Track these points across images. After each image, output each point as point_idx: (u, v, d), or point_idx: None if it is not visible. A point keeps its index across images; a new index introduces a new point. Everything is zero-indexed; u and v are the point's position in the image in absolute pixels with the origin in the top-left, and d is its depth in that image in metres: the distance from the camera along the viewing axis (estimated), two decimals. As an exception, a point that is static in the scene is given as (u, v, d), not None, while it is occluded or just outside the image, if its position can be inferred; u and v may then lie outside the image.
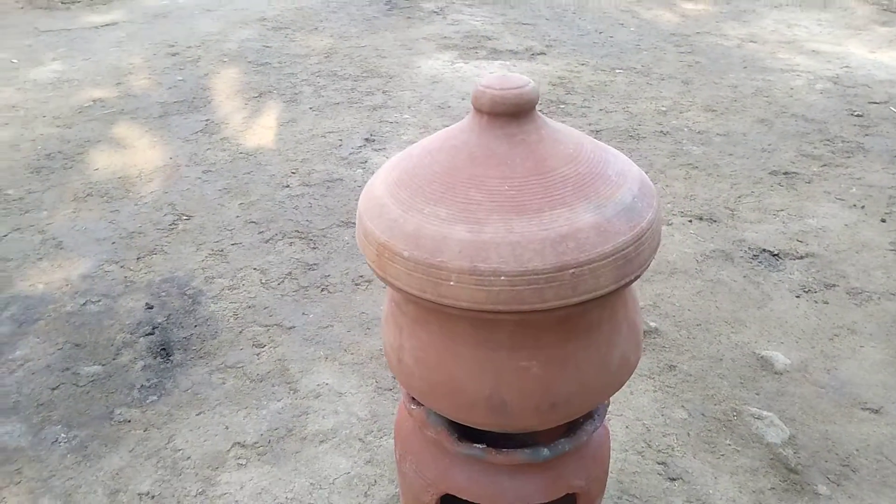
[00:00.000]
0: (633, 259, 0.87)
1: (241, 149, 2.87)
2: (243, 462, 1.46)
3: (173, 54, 3.96)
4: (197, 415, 1.58)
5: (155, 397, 1.63)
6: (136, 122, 3.10)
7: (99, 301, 1.95)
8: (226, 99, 3.36)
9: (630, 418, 1.56)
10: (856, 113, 3.12)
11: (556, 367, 0.93)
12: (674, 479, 1.42)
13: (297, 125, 3.07)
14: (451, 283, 0.85)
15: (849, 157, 2.75)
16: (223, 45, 4.09)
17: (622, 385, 1.03)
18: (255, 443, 1.51)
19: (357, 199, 2.54)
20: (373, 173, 2.73)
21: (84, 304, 1.94)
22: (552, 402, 0.95)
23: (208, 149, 2.87)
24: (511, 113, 0.90)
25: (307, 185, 2.58)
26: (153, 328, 1.85)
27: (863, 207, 2.41)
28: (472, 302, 0.84)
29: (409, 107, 3.25)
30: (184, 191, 2.54)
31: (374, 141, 2.92)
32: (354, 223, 2.36)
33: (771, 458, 1.46)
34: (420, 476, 1.15)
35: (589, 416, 1.12)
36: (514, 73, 0.87)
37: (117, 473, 1.44)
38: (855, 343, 1.79)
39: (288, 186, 2.57)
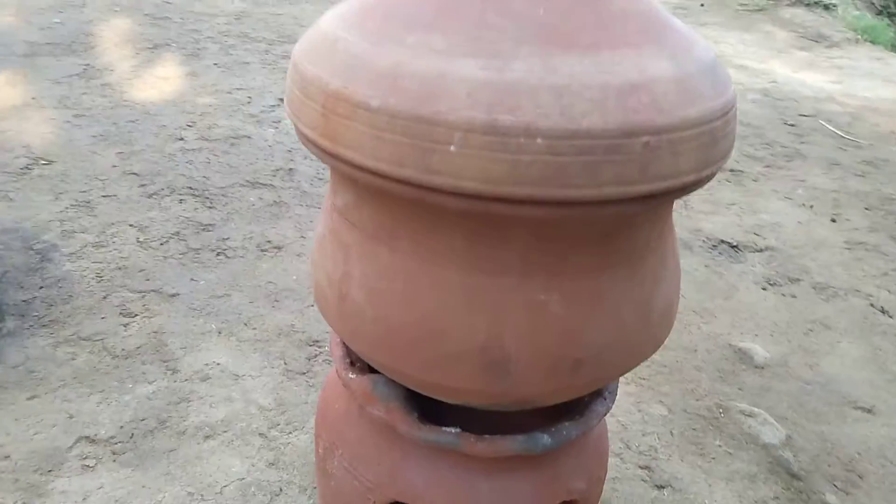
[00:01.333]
0: (719, 139, 0.58)
1: (125, 97, 2.39)
2: (91, 463, 1.04)
3: (51, -3, 3.37)
4: (28, 399, 1.13)
5: (-33, 374, 1.16)
6: (-8, 58, 2.54)
7: None
8: (112, 46, 2.86)
9: (603, 414, 1.28)
10: (788, 122, 3.09)
11: (586, 305, 0.62)
12: (661, 487, 1.14)
13: (199, 79, 2.63)
14: (452, 147, 0.52)
15: (789, 160, 2.68)
16: (115, -5, 3.55)
17: (661, 344, 0.73)
18: (112, 437, 1.09)
19: (267, 159, 2.16)
20: (287, 133, 2.34)
21: None
22: (577, 357, 0.64)
23: (84, 93, 2.37)
24: None
25: (206, 140, 2.15)
26: (-21, 286, 1.37)
27: (811, 207, 2.30)
28: (485, 181, 0.52)
29: (330, 74, 2.89)
30: (45, 133, 2.04)
31: (289, 102, 2.53)
32: (262, 184, 1.97)
33: (770, 462, 1.21)
34: (356, 476, 0.79)
35: (597, 394, 0.82)
36: None
37: None
38: (831, 338, 1.61)
39: (182, 139, 2.13)
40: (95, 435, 1.09)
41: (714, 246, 1.97)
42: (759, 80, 3.64)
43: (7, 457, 1.03)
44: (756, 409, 1.33)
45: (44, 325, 1.30)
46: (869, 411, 1.39)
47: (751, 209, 2.23)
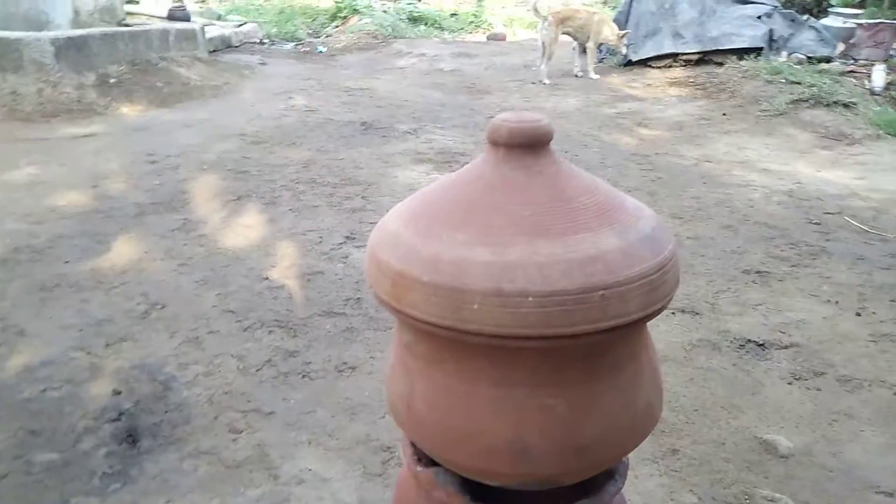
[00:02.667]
0: (658, 287, 0.85)
1: (218, 245, 2.83)
2: (215, 555, 1.30)
3: (152, 162, 4.00)
4: (166, 503, 1.42)
5: (118, 485, 1.47)
6: (110, 220, 3.06)
7: (60, 387, 1.81)
8: (204, 201, 3.37)
9: (638, 503, 1.47)
10: (814, 221, 3.28)
11: (582, 407, 0.88)
12: (691, 567, 1.31)
13: (277, 224, 3.08)
14: (475, 306, 0.81)
15: (814, 258, 2.86)
16: (202, 156, 4.17)
17: (647, 435, 0.96)
18: (230, 534, 1.35)
19: (338, 291, 2.51)
20: (354, 267, 2.71)
21: (43, 390, 1.80)
22: (579, 444, 0.88)
23: (185, 244, 2.82)
24: (528, 144, 0.91)
25: (287, 278, 2.53)
26: (119, 414, 1.71)
27: (837, 303, 2.46)
28: (498, 326, 0.80)
29: (388, 209, 3.29)
30: (158, 282, 2.46)
31: (354, 238, 2.92)
32: (336, 313, 2.30)
33: (791, 542, 1.36)
34: (425, 551, 1.03)
35: (609, 476, 1.04)
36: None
37: (68, 570, 1.26)
38: (855, 427, 1.75)
39: (267, 279, 2.52)
40: (218, 532, 1.36)
41: (741, 345, 2.16)
42: (784, 182, 3.88)
43: (153, 551, 1.30)
44: (778, 495, 1.48)
45: (171, 443, 1.61)
46: (891, 496, 1.51)
47: (776, 308, 2.41)
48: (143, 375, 1.88)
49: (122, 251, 2.73)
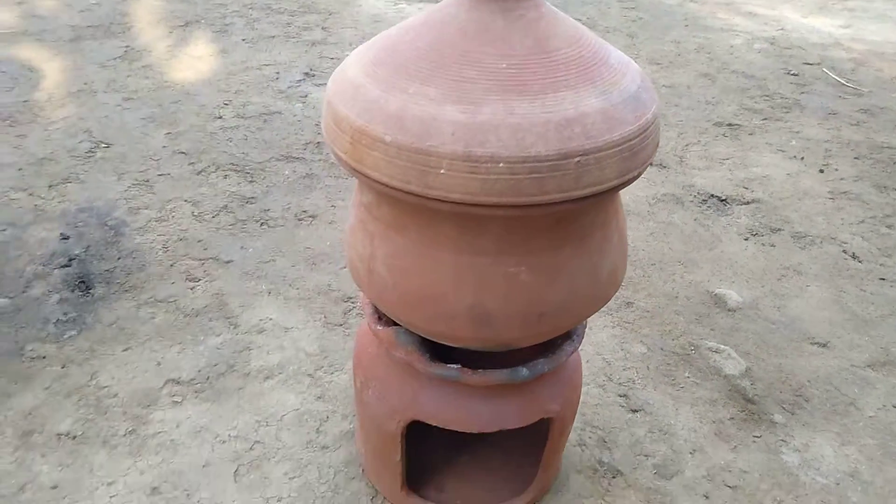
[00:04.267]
0: (638, 152, 0.80)
1: (166, 77, 2.62)
2: (179, 399, 1.32)
3: (85, -24, 3.57)
4: (123, 350, 1.42)
5: (74, 332, 1.45)
6: (43, 45, 2.77)
7: (4, 230, 1.73)
8: (147, 26, 3.07)
9: (590, 353, 1.53)
10: (791, 72, 3.19)
11: (546, 275, 0.85)
12: (635, 411, 1.39)
13: (229, 56, 2.84)
14: (442, 170, 0.74)
15: (787, 112, 2.81)
16: (142, -29, 3.73)
17: (609, 299, 0.96)
18: (192, 379, 1.37)
19: (297, 133, 2.38)
20: (314, 108, 2.56)
21: (-15, 232, 1.71)
22: (540, 311, 0.87)
23: (128, 76, 2.60)
24: (509, -16, 0.80)
25: (242, 118, 2.38)
26: (69, 259, 1.65)
27: (802, 159, 2.46)
28: (465, 193, 0.75)
29: (350, 44, 3.07)
30: (102, 118, 2.29)
31: (314, 76, 2.73)
32: (295, 157, 2.20)
33: (729, 390, 1.45)
34: (385, 403, 1.05)
35: (567, 337, 1.05)
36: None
37: (30, 413, 1.27)
38: (801, 283, 1.82)
39: (220, 118, 2.37)
40: (179, 378, 1.37)
41: (704, 200, 2.17)
42: (767, 28, 3.71)
43: (115, 395, 1.32)
44: (723, 346, 1.56)
45: (126, 291, 1.58)
46: (824, 346, 1.61)
47: (743, 163, 2.40)
48: (91, 219, 1.80)
49: (59, 81, 2.51)
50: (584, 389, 1.43)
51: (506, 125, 0.74)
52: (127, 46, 2.85)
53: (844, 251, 1.96)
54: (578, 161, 0.74)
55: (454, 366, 0.97)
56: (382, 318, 1.04)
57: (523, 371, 0.97)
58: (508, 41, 0.79)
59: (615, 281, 0.95)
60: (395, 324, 1.01)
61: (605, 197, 0.82)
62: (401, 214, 0.86)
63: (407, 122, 0.75)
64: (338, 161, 0.85)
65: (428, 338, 0.96)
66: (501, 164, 0.73)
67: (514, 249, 0.83)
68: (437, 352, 1.00)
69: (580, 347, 1.56)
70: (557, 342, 1.03)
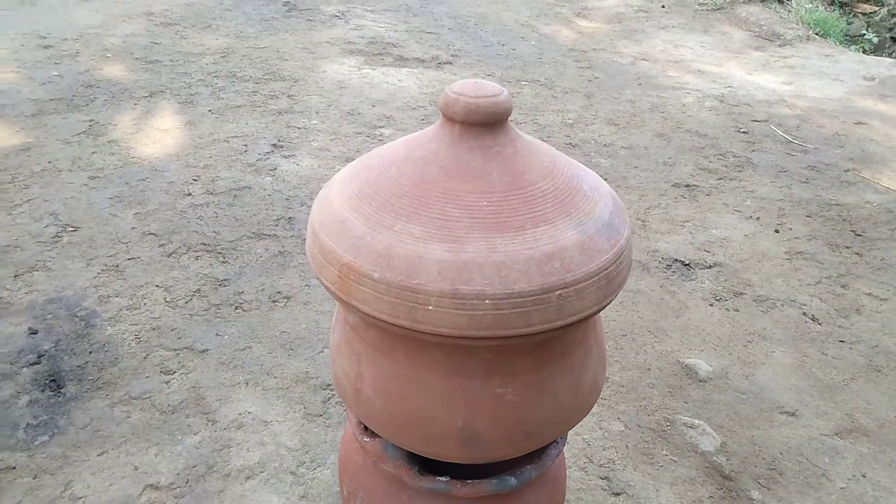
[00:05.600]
0: (614, 278, 0.84)
1: (132, 153, 2.61)
2: (158, 507, 1.30)
3: (45, 46, 3.56)
4: (99, 455, 1.38)
5: (46, 437, 1.41)
6: (3, 120, 2.74)
7: (-32, 327, 1.68)
8: (111, 98, 3.07)
9: (570, 434, 1.55)
10: (742, 130, 3.35)
11: (532, 394, 0.88)
12: (618, 494, 1.41)
13: (196, 128, 2.85)
14: (430, 307, 0.77)
15: (740, 171, 2.94)
16: (105, 40, 3.74)
17: (591, 408, 0.99)
18: (171, 483, 1.34)
19: (268, 209, 2.39)
20: (283, 181, 2.58)
21: (-51, 331, 1.67)
22: (527, 430, 0.90)
23: (94, 152, 2.59)
24: (486, 122, 0.84)
25: (211, 194, 2.38)
26: (39, 356, 1.61)
27: (758, 219, 2.57)
28: (453, 328, 0.77)
29: (316, 112, 3.11)
30: (68, 199, 2.27)
31: (282, 147, 2.76)
32: (266, 235, 2.21)
33: (706, 467, 1.49)
34: (374, 514, 1.06)
35: (552, 442, 1.07)
36: (484, 80, 0.81)
37: (2, 532, 1.23)
38: (767, 349, 1.88)
39: (190, 195, 2.37)
40: (158, 483, 1.34)
41: (668, 265, 2.24)
42: (716, 86, 3.90)
43: (91, 507, 1.28)
44: (697, 421, 1.60)
45: (99, 388, 1.55)
46: (793, 415, 1.66)
47: (703, 225, 2.50)
48: (60, 311, 1.77)
49: (22, 161, 2.48)
50: (566, 474, 1.45)
51: (490, 263, 0.77)
52: (91, 120, 2.83)
53: (804, 314, 2.04)
54: (560, 294, 0.78)
55: (443, 478, 0.98)
56: (368, 428, 1.05)
57: (511, 480, 0.99)
58: (487, 179, 0.83)
59: (596, 390, 0.98)
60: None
61: (586, 322, 0.86)
62: (388, 339, 0.88)
63: (394, 259, 0.78)
64: (326, 289, 0.87)
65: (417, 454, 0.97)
66: (487, 301, 0.76)
67: (500, 371, 0.86)
68: (425, 462, 1.02)
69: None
70: (543, 447, 1.05)
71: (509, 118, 0.88)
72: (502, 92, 0.85)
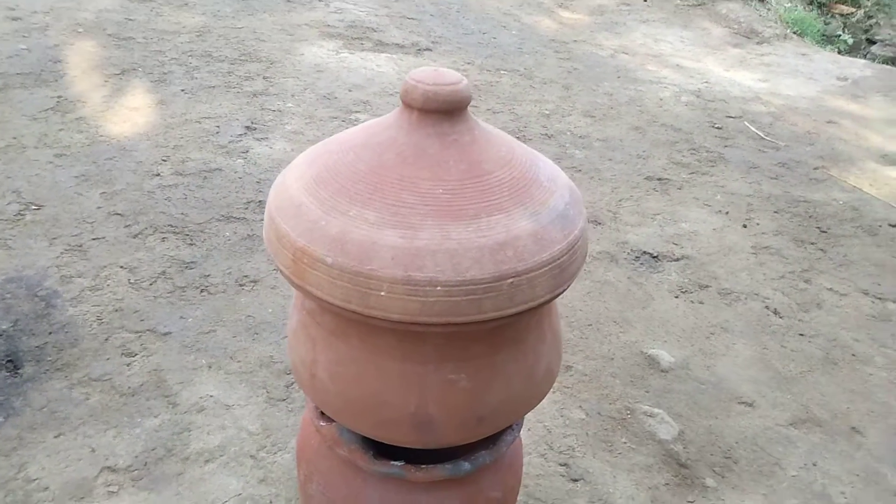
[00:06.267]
0: (567, 268, 0.85)
1: (101, 131, 2.56)
2: (115, 489, 1.29)
3: (14, 18, 3.47)
4: (55, 437, 1.37)
5: (0, 419, 1.39)
6: (-32, 95, 2.68)
7: (-77, 305, 1.65)
8: (81, 74, 3.00)
9: (532, 420, 1.57)
10: (716, 125, 3.38)
11: (485, 380, 0.89)
12: (576, 480, 1.43)
13: (168, 108, 2.81)
14: (382, 293, 0.77)
15: (713, 165, 2.97)
16: (77, 14, 3.66)
17: (545, 396, 1.00)
18: (129, 466, 1.33)
19: (238, 192, 2.37)
20: (255, 164, 2.55)
21: None
22: (480, 415, 0.91)
23: (61, 129, 2.54)
24: (444, 110, 0.84)
25: (181, 175, 2.35)
26: (-4, 336, 1.59)
27: (727, 213, 2.60)
28: (405, 314, 0.78)
29: (292, 95, 3.08)
30: (32, 176, 2.22)
31: (255, 129, 2.73)
32: (236, 217, 2.19)
33: (663, 455, 1.52)
34: (329, 498, 1.06)
35: (507, 427, 1.09)
36: (443, 67, 0.81)
37: (-48, 513, 1.21)
38: (728, 341, 1.92)
39: (158, 175, 2.33)
40: (115, 465, 1.33)
41: (637, 257, 2.26)
42: (693, 81, 3.93)
43: (46, 488, 1.27)
44: (656, 410, 1.63)
45: (58, 369, 1.53)
46: (750, 405, 1.70)
47: (673, 218, 2.52)
48: (20, 290, 1.74)
49: (-14, 135, 2.42)
50: (526, 459, 1.46)
51: (443, 250, 0.77)
52: (59, 97, 2.77)
53: (767, 307, 2.08)
54: (511, 282, 0.78)
55: (397, 463, 0.99)
56: (324, 414, 1.05)
57: (466, 465, 1.00)
58: (444, 166, 0.83)
59: (550, 378, 0.99)
60: (338, 419, 1.02)
61: (539, 309, 0.86)
62: (343, 324, 0.88)
63: (348, 245, 0.78)
64: (280, 272, 0.86)
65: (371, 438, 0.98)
66: (439, 288, 0.76)
67: (453, 356, 0.87)
68: (380, 447, 1.02)
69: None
70: (499, 433, 1.06)
71: (468, 106, 0.88)
72: (461, 80, 0.85)
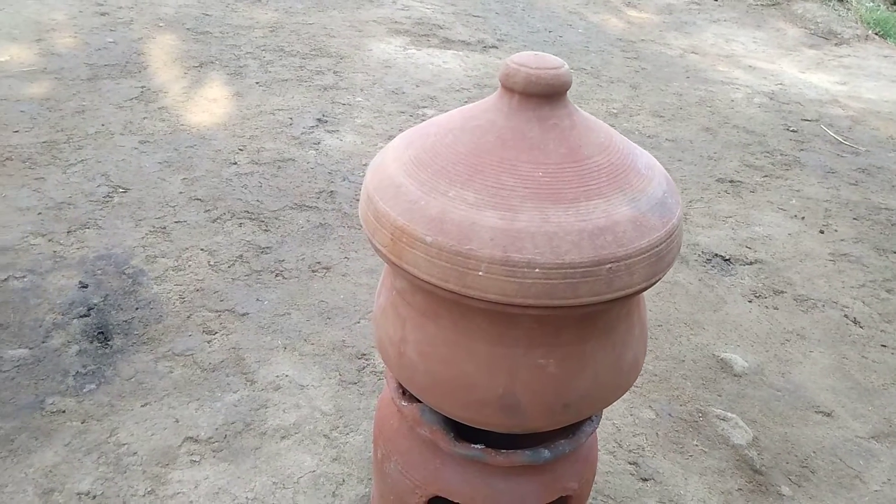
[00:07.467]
0: (664, 256, 0.84)
1: (182, 121, 2.67)
2: (197, 459, 1.34)
3: (102, 14, 3.65)
4: (142, 406, 1.44)
5: (93, 385, 1.47)
6: (60, 84, 2.82)
7: (24, 277, 1.75)
8: (163, 66, 3.13)
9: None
10: (791, 128, 3.27)
11: (573, 367, 0.89)
12: (646, 480, 1.42)
13: (244, 100, 2.90)
14: (480, 273, 0.78)
15: (787, 169, 2.88)
16: (158, 9, 3.82)
17: (630, 387, 0.99)
18: (210, 438, 1.39)
19: (310, 182, 2.43)
20: (326, 155, 2.61)
21: (5, 279, 1.74)
22: (566, 402, 0.91)
23: (145, 118, 2.65)
24: (545, 94, 0.85)
25: (256, 164, 2.43)
26: (88, 309, 1.67)
27: (803, 218, 2.52)
28: (501, 295, 0.78)
29: (361, 89, 3.14)
30: (119, 161, 2.33)
31: (326, 122, 2.79)
32: (308, 206, 2.24)
33: (737, 460, 1.48)
34: (407, 477, 1.08)
35: (587, 419, 1.08)
36: (544, 54, 0.81)
37: (51, 470, 1.28)
38: (805, 348, 1.85)
39: (235, 163, 2.41)
40: (197, 436, 1.39)
41: (708, 260, 2.21)
42: (767, 83, 3.81)
43: (135, 453, 1.33)
44: (730, 414, 1.59)
45: (144, 343, 1.60)
46: (828, 415, 1.64)
47: (746, 221, 2.46)
48: (109, 267, 1.83)
49: (77, 122, 2.55)
50: (598, 454, 1.45)
51: (542, 233, 0.78)
52: (143, 87, 2.90)
53: (846, 315, 2.00)
54: (610, 268, 0.78)
55: (478, 446, 1.00)
56: (406, 393, 1.07)
57: (545, 453, 1.00)
58: (544, 149, 0.83)
59: (636, 369, 0.98)
60: (419, 399, 1.04)
61: (633, 297, 0.86)
62: (435, 304, 0.89)
63: (447, 224, 0.79)
64: (376, 252, 0.89)
65: (455, 419, 0.99)
66: (537, 270, 0.77)
67: (543, 342, 0.87)
68: (460, 429, 1.03)
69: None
70: (578, 423, 1.06)
71: (568, 92, 0.88)
72: (563, 65, 0.85)
